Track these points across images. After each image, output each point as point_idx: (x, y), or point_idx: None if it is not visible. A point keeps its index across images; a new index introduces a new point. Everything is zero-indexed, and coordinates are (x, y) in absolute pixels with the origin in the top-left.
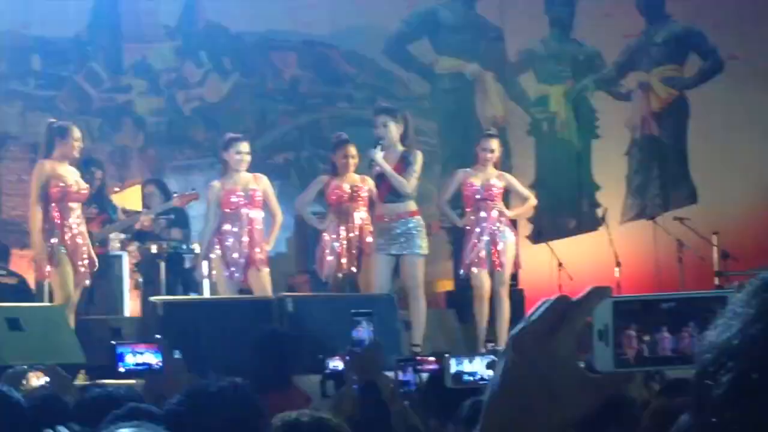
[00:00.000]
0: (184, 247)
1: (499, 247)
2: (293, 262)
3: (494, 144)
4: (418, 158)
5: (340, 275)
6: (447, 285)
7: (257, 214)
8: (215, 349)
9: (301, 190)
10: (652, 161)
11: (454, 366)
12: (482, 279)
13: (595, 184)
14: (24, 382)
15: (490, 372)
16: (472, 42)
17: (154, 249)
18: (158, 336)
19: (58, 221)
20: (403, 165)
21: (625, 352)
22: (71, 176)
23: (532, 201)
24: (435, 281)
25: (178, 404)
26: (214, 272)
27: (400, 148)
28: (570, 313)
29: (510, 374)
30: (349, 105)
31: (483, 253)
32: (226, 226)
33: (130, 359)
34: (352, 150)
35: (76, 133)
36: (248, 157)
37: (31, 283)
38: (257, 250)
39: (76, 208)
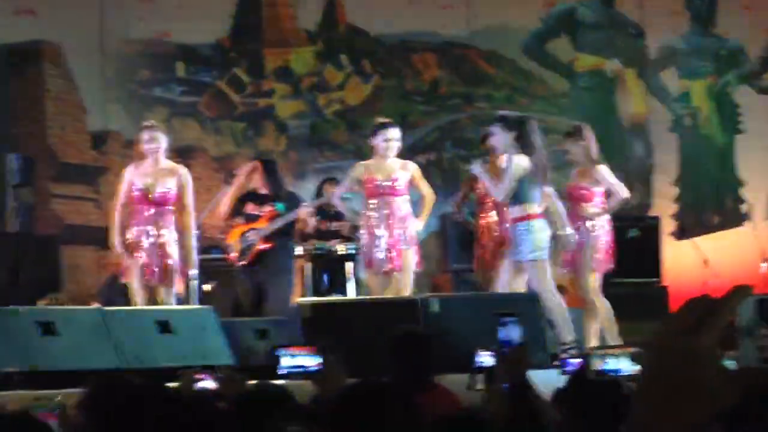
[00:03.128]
0: (335, 245)
1: None
2: (436, 262)
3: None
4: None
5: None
6: None
7: (401, 202)
8: (360, 350)
9: (444, 190)
10: None
11: (598, 362)
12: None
13: (739, 180)
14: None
15: (634, 367)
16: (612, 39)
17: (302, 249)
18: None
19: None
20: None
21: None
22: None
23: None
24: None
25: (334, 404)
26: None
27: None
28: (713, 311)
29: (654, 371)
30: (489, 104)
31: None
32: (371, 213)
33: (287, 362)
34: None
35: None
36: (396, 144)
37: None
38: (398, 233)
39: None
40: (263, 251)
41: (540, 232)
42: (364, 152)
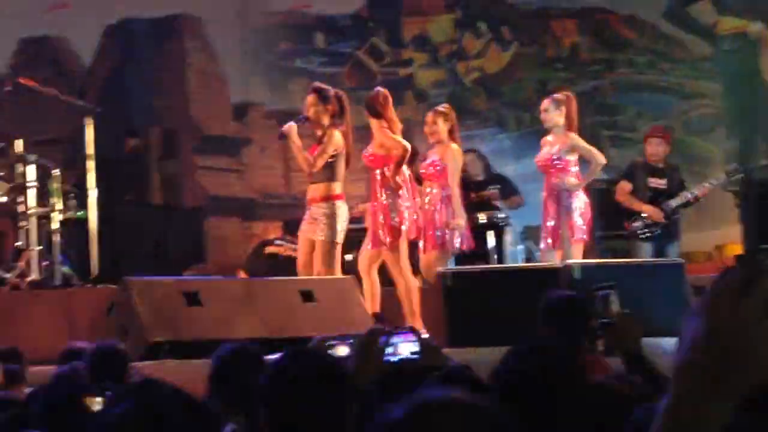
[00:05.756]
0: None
1: None
2: None
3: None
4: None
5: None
6: (736, 249)
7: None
8: (502, 318)
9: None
10: None
11: None
12: None
13: None
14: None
15: None
16: (755, 1)
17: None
18: (455, 306)
19: None
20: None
21: None
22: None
23: None
24: (724, 246)
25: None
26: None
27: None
28: (757, 278)
29: (703, 337)
30: (631, 70)
31: None
32: None
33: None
34: None
35: None
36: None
37: None
38: None
39: None
40: None
41: None
42: (504, 120)
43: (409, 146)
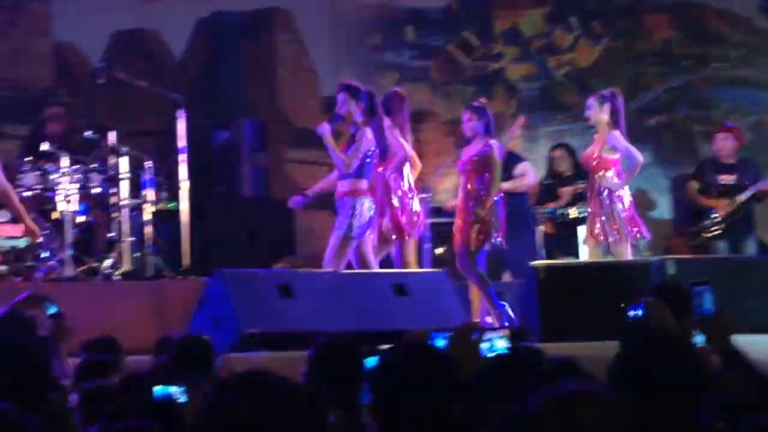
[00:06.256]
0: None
1: None
2: (670, 225)
3: None
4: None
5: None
6: None
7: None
8: (596, 312)
9: (676, 152)
10: None
11: None
12: None
13: None
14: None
15: None
16: None
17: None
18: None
19: None
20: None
21: None
22: None
23: None
24: None
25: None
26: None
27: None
28: None
29: None
30: (724, 65)
31: None
32: None
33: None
34: None
35: None
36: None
37: None
38: None
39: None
40: None
41: None
42: None
43: (410, 153)
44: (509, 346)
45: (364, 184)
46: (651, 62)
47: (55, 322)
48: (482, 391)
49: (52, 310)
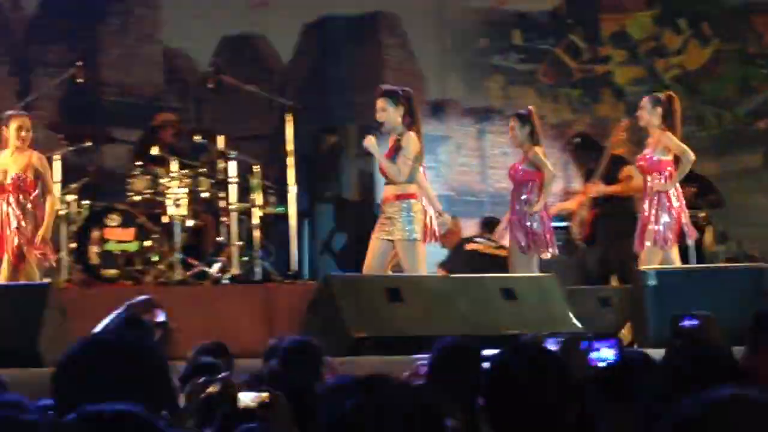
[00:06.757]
0: None
1: None
2: None
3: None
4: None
5: None
6: None
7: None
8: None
9: None
10: None
11: None
12: None
13: None
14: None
15: None
16: None
17: None
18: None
19: None
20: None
21: None
22: None
23: None
24: None
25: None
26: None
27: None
28: None
29: None
30: None
31: None
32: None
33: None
34: None
35: None
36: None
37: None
38: None
39: None
40: (594, 219)
41: None
42: (704, 118)
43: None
44: (617, 353)
45: (412, 188)
46: (761, 64)
47: (163, 330)
48: (597, 394)
49: (161, 317)
